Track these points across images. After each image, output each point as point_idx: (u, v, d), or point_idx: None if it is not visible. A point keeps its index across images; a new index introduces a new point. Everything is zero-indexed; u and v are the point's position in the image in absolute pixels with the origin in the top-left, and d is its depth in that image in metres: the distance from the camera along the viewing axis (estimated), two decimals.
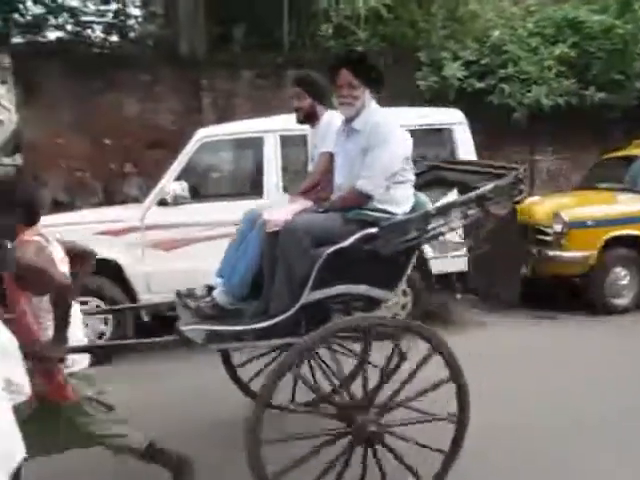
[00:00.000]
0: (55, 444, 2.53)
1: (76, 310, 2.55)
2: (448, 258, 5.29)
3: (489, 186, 2.56)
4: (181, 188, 5.15)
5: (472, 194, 2.59)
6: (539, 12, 9.19)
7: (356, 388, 2.67)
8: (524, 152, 9.09)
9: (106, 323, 5.01)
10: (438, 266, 5.46)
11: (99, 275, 4.31)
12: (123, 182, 7.89)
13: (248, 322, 2.55)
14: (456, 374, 2.55)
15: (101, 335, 4.90)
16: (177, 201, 5.16)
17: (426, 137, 5.71)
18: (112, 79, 8.49)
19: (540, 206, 6.54)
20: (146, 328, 4.86)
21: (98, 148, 8.55)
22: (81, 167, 8.12)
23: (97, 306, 4.77)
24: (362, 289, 2.61)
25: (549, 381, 4.29)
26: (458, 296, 6.19)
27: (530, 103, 8.10)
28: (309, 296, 2.50)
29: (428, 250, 5.21)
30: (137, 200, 6.66)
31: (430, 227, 2.61)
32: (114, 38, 9.39)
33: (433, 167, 3.27)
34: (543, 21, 8.91)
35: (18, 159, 12.81)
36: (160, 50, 8.78)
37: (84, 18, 9.24)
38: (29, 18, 8.91)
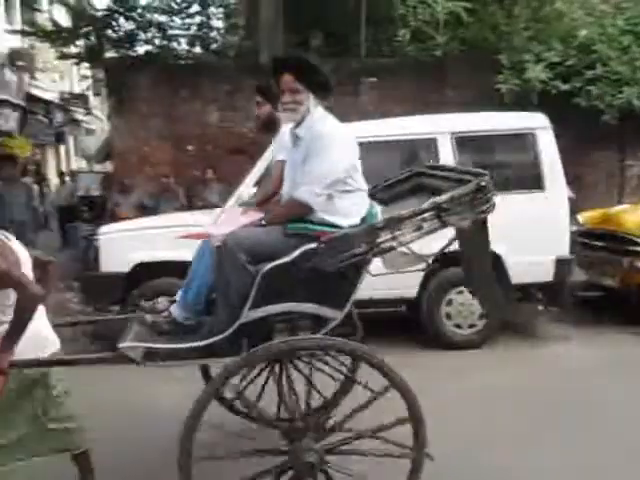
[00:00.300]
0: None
1: (41, 309, 2.50)
2: (530, 267, 5.10)
3: (443, 196, 2.34)
4: None
5: (424, 205, 2.36)
6: (630, 9, 8.69)
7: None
8: (613, 157, 8.62)
9: None
10: (520, 276, 5.26)
11: (176, 277, 4.38)
12: (204, 188, 8.19)
13: (186, 340, 2.47)
14: (413, 412, 2.36)
15: None
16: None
17: (508, 142, 5.52)
18: (196, 89, 8.87)
19: (630, 215, 6.16)
20: None
21: (181, 155, 8.95)
22: (166, 173, 8.51)
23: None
24: (308, 307, 2.44)
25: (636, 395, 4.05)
26: (540, 308, 5.94)
27: (621, 105, 7.69)
28: (249, 315, 2.38)
29: (509, 260, 5.06)
30: (217, 205, 6.88)
31: (379, 241, 2.37)
32: (198, 50, 9.80)
33: (418, 173, 3.07)
34: (635, 18, 8.43)
35: (108, 166, 13.65)
36: (241, 60, 9.06)
37: (170, 32, 9.71)
38: (121, 34, 9.47)
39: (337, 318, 2.47)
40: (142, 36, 9.58)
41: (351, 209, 2.56)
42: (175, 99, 8.84)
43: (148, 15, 9.67)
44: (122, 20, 9.52)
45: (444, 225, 2.37)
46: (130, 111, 8.89)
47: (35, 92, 16.27)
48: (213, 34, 10.31)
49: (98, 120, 23.17)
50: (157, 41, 9.58)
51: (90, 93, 19.88)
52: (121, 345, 2.49)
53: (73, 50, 9.85)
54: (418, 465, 2.41)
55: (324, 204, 2.49)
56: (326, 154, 2.47)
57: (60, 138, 19.34)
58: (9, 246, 2.43)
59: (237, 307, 2.38)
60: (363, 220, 2.58)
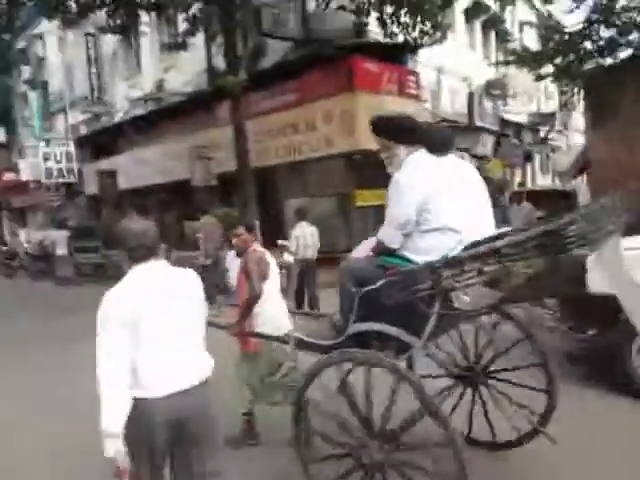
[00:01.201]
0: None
1: (280, 302, 4.07)
2: None
3: (502, 241, 2.44)
4: None
5: (480, 248, 2.48)
6: None
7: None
8: None
9: None
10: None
11: None
12: None
13: (327, 339, 3.11)
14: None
15: None
16: None
17: None
18: None
19: None
20: None
21: None
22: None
23: None
24: (393, 331, 2.73)
25: None
26: None
27: None
28: (353, 327, 2.88)
29: None
30: None
31: (443, 279, 2.52)
32: None
33: None
34: None
35: (578, 180, 13.37)
36: None
37: None
38: (600, 43, 9.13)
39: (415, 345, 2.66)
40: (623, 40, 9.00)
41: (429, 246, 2.72)
42: None
43: (627, 16, 9.01)
44: (602, 28, 9.17)
45: (508, 272, 2.40)
46: (610, 121, 8.44)
47: (507, 116, 17.50)
48: None
49: (563, 136, 23.10)
50: None
51: (557, 110, 20.00)
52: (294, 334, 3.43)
53: (548, 69, 10.08)
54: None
55: (404, 242, 2.82)
56: (395, 198, 2.78)
57: (528, 157, 20.13)
58: (265, 258, 4.01)
59: (346, 320, 2.94)
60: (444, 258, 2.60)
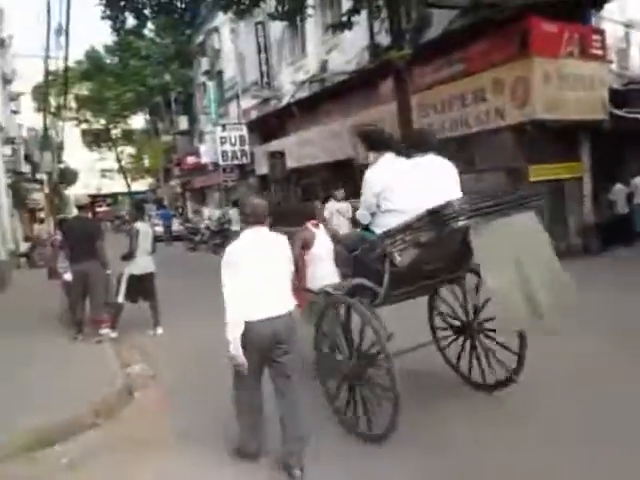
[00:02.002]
0: None
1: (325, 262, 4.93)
2: None
3: (411, 218, 3.57)
4: None
5: (401, 224, 3.65)
6: None
7: None
8: None
9: None
10: None
11: None
12: None
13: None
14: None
15: None
16: None
17: None
18: None
19: None
20: None
21: None
22: None
23: None
24: (367, 283, 3.92)
25: None
26: None
27: None
28: (353, 281, 4.04)
29: None
30: None
31: (385, 245, 3.70)
32: None
33: None
34: None
35: None
36: None
37: None
38: None
39: (380, 292, 3.83)
40: None
41: (387, 223, 3.80)
42: None
43: None
44: None
45: (417, 240, 3.58)
46: None
47: None
48: None
49: None
50: None
51: None
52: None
53: None
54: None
55: (372, 220, 3.98)
56: (364, 189, 3.95)
57: None
58: (312, 232, 5.20)
59: (345, 277, 4.26)
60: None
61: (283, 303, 3.52)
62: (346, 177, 16.31)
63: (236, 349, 3.33)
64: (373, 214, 3.94)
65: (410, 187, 3.80)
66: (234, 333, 3.33)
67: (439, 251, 3.83)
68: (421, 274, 3.99)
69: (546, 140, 10.60)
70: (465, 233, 3.57)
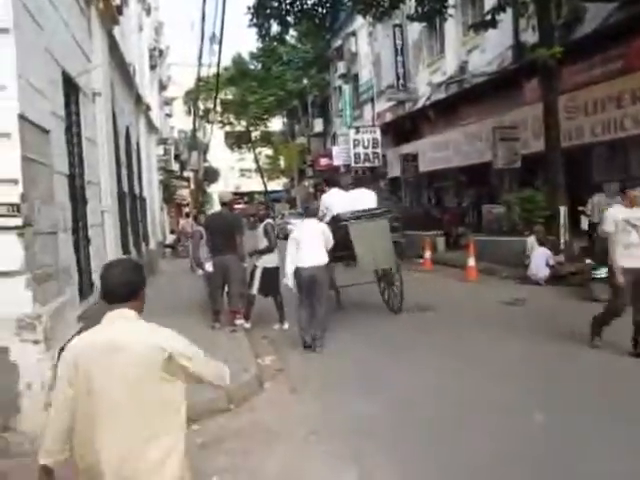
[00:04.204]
0: None
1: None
2: None
3: (330, 219, 7.95)
4: None
5: (333, 219, 7.94)
6: None
7: None
8: None
9: None
10: None
11: None
12: None
13: None
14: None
15: None
16: None
17: None
18: None
19: None
20: None
21: None
22: None
23: None
24: (344, 253, 7.89)
25: None
26: None
27: None
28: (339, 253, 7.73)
29: None
30: None
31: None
32: None
33: None
34: None
35: None
36: None
37: None
38: None
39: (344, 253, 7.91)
40: None
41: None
42: None
43: None
44: None
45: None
46: None
47: None
48: None
49: None
50: None
51: None
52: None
53: None
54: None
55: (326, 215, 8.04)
56: (321, 204, 8.38)
57: None
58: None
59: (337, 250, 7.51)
60: None
61: (319, 259, 6.55)
62: (479, 181, 15.75)
63: (289, 280, 6.59)
64: (324, 216, 7.87)
65: (341, 204, 8.15)
66: (288, 271, 6.56)
67: (340, 235, 7.46)
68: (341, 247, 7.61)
69: None
70: (347, 228, 7.77)
